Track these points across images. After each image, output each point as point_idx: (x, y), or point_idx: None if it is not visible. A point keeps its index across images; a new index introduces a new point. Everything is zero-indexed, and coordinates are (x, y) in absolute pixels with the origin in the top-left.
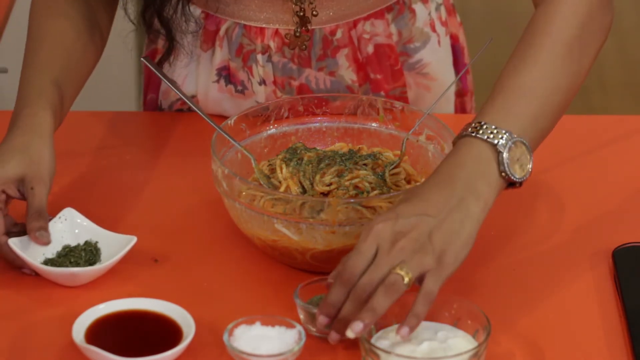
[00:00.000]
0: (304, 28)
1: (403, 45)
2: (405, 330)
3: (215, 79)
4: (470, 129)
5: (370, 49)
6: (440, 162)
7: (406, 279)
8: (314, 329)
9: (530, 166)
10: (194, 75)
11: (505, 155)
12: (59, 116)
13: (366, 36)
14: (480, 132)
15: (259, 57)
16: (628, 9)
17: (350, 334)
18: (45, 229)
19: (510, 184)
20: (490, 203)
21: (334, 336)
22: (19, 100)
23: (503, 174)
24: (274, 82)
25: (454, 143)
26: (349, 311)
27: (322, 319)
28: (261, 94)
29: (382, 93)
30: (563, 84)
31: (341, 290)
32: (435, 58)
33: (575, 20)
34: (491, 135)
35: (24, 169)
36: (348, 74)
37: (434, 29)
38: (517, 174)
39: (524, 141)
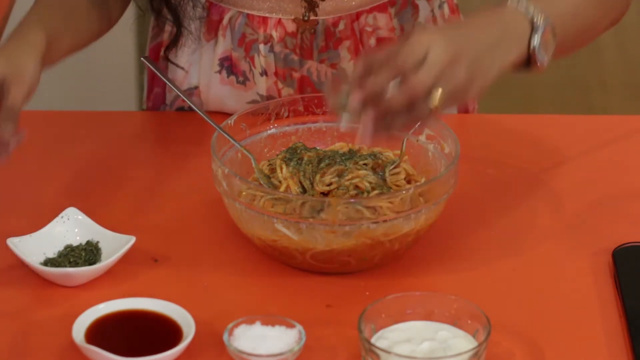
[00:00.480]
0: (312, 12)
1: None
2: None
3: (217, 69)
4: (510, 1)
5: (372, 42)
6: (479, 13)
7: (439, 95)
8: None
9: (550, 57)
10: (197, 65)
11: (538, 33)
12: (54, 50)
13: (368, 29)
14: (520, 5)
15: (261, 47)
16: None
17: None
18: (13, 129)
19: (525, 65)
20: (511, 61)
21: (368, 130)
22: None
23: (530, 49)
24: (276, 74)
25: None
26: (396, 97)
27: (357, 95)
28: (262, 85)
29: None
30: (590, 14)
31: (388, 75)
32: None
33: None
34: (531, 11)
35: (5, 71)
36: (350, 66)
37: (436, 24)
38: (541, 56)
39: (556, 29)
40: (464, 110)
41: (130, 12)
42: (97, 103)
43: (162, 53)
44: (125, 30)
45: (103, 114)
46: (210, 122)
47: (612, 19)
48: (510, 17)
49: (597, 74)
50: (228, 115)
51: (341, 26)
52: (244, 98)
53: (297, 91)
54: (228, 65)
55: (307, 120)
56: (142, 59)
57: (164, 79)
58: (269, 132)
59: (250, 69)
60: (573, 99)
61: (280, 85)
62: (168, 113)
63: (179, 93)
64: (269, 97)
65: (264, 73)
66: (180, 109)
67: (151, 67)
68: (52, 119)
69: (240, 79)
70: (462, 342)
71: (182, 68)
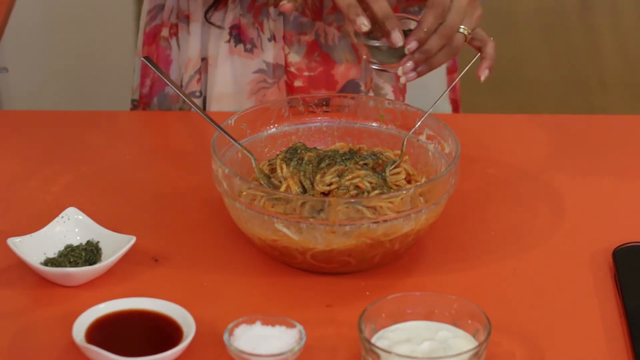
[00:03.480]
0: None
1: (404, 9)
2: (413, 74)
3: (227, 38)
4: None
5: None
6: None
7: (465, 34)
8: (376, 63)
9: None
10: (207, 35)
11: None
12: None
13: None
14: None
15: (271, 9)
16: (628, 9)
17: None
18: None
19: None
20: None
21: (412, 75)
22: None
23: None
24: (284, 38)
25: None
26: (435, 43)
27: (413, 45)
28: (269, 52)
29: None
30: None
31: (436, 20)
32: None
33: None
34: None
35: None
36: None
37: None
38: None
39: None
40: (454, 89)
41: (130, 13)
42: (97, 103)
43: (203, 14)
44: (125, 30)
45: (103, 114)
46: (210, 121)
47: None
48: None
49: (597, 74)
50: (228, 115)
51: None
52: (250, 68)
53: (304, 56)
54: (236, 34)
55: (307, 120)
56: (142, 59)
57: (164, 79)
58: (269, 132)
59: (259, 35)
60: (573, 99)
61: (287, 50)
62: (168, 113)
63: (179, 93)
64: (275, 65)
65: (272, 38)
66: (180, 110)
67: (151, 67)
68: (52, 119)
69: (248, 46)
70: (462, 342)
71: (221, 27)
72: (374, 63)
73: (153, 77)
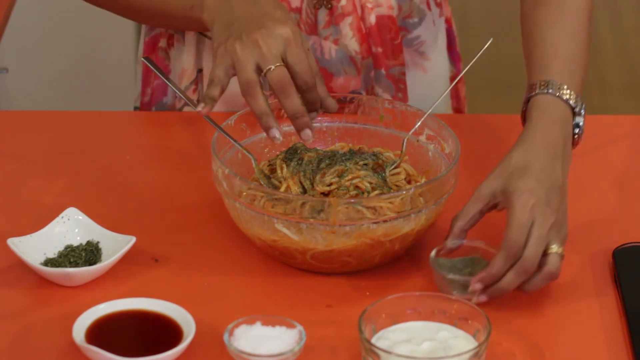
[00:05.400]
0: None
1: (403, 19)
2: (483, 297)
3: None
4: (551, 89)
5: (372, 18)
6: (530, 119)
7: (560, 253)
8: (455, 293)
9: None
10: (202, 45)
11: (581, 118)
12: None
13: (369, 5)
14: (560, 92)
15: None
16: (628, 9)
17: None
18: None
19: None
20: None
21: (483, 298)
22: None
23: (576, 136)
24: None
25: (529, 99)
26: (512, 281)
27: (478, 286)
28: None
29: (383, 72)
30: (588, 48)
31: (507, 262)
32: (430, 36)
33: None
34: (566, 95)
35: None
36: (352, 44)
37: (429, 7)
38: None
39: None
40: (457, 96)
41: None
42: (97, 103)
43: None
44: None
45: (103, 114)
46: (210, 122)
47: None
48: (559, 117)
49: (597, 74)
50: (228, 115)
51: (343, 1)
52: None
53: None
54: None
55: None
56: (142, 59)
57: (164, 79)
58: None
59: None
60: None
61: None
62: (168, 113)
63: (179, 93)
64: None
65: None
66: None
67: (152, 67)
68: (52, 119)
69: None
70: (462, 342)
71: (173, 80)
72: (450, 293)
73: (153, 86)
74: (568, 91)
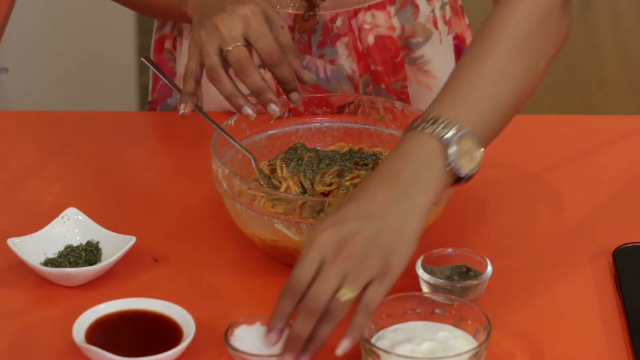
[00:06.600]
0: (311, 12)
1: (406, 39)
2: (346, 343)
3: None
4: (416, 123)
5: (370, 39)
6: (385, 157)
7: (349, 297)
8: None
9: (480, 160)
10: None
11: (453, 149)
12: None
13: (367, 26)
14: (427, 126)
15: None
16: (628, 9)
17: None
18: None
19: (458, 179)
20: (434, 198)
21: (287, 357)
22: None
23: (448, 168)
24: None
25: (401, 138)
26: (300, 326)
27: (272, 337)
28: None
29: (383, 86)
30: (515, 81)
31: (288, 302)
32: (436, 56)
33: (532, 20)
34: (438, 129)
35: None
36: (348, 63)
37: (436, 26)
38: (465, 168)
39: (475, 132)
40: None
41: (130, 13)
42: (97, 103)
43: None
44: (125, 30)
45: (103, 114)
46: (210, 122)
47: (553, 53)
48: (415, 150)
49: (597, 74)
50: (228, 115)
51: (339, 22)
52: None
53: None
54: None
55: (307, 120)
56: (142, 59)
57: (164, 79)
58: (269, 132)
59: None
60: (573, 99)
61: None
62: (168, 113)
63: (179, 93)
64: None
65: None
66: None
67: (151, 67)
68: (52, 119)
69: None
70: (462, 342)
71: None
72: None
73: (161, 85)
74: (443, 123)
